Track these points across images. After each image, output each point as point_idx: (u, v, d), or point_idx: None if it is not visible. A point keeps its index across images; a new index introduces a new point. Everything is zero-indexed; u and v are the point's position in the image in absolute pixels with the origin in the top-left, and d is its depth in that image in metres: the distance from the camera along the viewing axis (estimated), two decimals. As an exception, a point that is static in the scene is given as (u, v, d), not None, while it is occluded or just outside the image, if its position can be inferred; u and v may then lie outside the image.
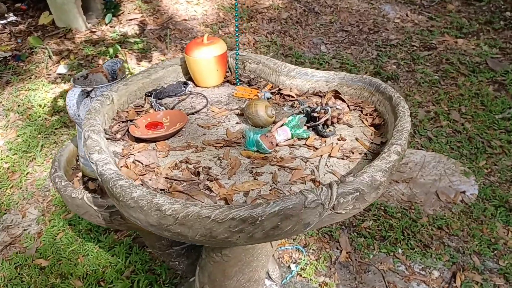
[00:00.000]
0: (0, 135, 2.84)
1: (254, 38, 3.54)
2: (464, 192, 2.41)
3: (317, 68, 3.27)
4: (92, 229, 2.21)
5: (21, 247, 2.18)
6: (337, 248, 2.14)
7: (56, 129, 2.85)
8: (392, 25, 3.78)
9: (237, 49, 1.38)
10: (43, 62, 3.39)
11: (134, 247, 2.11)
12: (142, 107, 1.28)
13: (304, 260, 2.07)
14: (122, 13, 3.83)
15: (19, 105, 3.03)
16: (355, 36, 3.65)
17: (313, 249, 2.13)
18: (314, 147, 1.09)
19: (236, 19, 1.28)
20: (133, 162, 1.05)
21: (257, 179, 0.99)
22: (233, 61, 1.43)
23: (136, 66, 3.30)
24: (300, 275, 2.00)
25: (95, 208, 1.30)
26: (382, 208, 2.31)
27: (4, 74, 3.33)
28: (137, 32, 3.64)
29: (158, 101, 1.28)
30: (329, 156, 1.06)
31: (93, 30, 3.69)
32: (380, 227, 2.22)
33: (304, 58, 3.35)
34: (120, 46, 3.40)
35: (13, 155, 2.68)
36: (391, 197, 2.41)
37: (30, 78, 3.28)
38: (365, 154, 1.07)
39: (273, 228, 0.86)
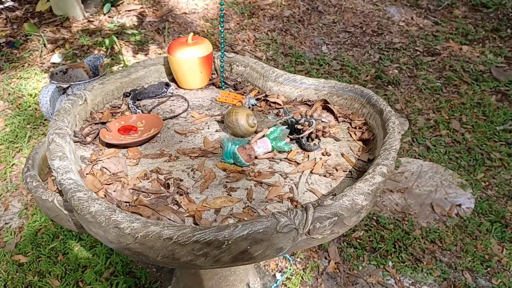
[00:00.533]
0: (-12, 124, 2.77)
1: (254, 35, 3.46)
2: (460, 205, 2.34)
3: (317, 69, 3.20)
4: (74, 227, 2.15)
5: (1, 241, 2.12)
6: (326, 258, 2.07)
7: (45, 120, 2.78)
8: (397, 28, 3.69)
9: (223, 50, 1.30)
10: (37, 50, 3.32)
11: (116, 248, 2.04)
12: (119, 108, 1.21)
13: (290, 269, 2.00)
14: (122, 3, 3.75)
15: (9, 94, 2.97)
16: (358, 38, 3.57)
17: (300, 258, 2.06)
18: (295, 161, 1.01)
19: (222, 19, 1.20)
20: (100, 169, 0.98)
21: (230, 195, 0.92)
22: (219, 62, 1.35)
23: (132, 58, 3.22)
24: (285, 285, 1.94)
25: (66, 212, 1.23)
26: (375, 218, 2.24)
27: (-4, 61, 3.26)
28: (135, 23, 3.56)
29: (137, 103, 1.21)
30: (311, 172, 0.99)
31: (91, 19, 3.61)
32: (371, 238, 2.15)
33: (304, 58, 3.27)
34: (117, 37, 3.33)
35: (0, 145, 2.61)
36: (384, 207, 2.33)
37: (23, 66, 3.21)
38: (349, 171, 1.00)
39: (241, 252, 0.79)
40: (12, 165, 2.50)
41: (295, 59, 3.26)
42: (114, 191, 0.90)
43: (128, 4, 3.78)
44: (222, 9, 1.17)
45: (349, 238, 2.14)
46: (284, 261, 2.05)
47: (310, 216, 0.79)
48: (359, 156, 1.05)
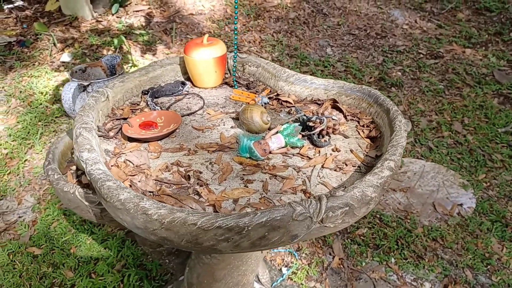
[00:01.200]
0: (1, 121, 2.84)
1: (260, 37, 3.52)
2: (461, 204, 2.40)
3: (321, 71, 3.26)
4: (86, 221, 2.21)
5: (15, 234, 2.18)
6: (330, 254, 2.13)
7: (56, 117, 2.84)
8: (400, 31, 3.75)
9: (235, 51, 1.37)
10: (47, 49, 3.38)
11: (127, 242, 2.10)
12: (138, 105, 1.27)
13: (296, 264, 2.06)
14: (130, 3, 3.82)
15: (21, 91, 3.03)
16: (362, 40, 3.63)
17: (305, 253, 2.12)
18: (307, 156, 1.08)
19: (235, 22, 1.26)
20: (124, 161, 1.04)
21: (247, 187, 0.98)
22: (232, 63, 1.42)
23: (140, 58, 3.29)
24: (291, 279, 2.00)
25: (86, 203, 1.29)
26: (378, 216, 2.30)
27: (7, 59, 3.32)
28: (143, 24, 3.63)
29: (154, 100, 1.27)
30: (322, 167, 1.05)
31: (99, 19, 3.68)
32: (375, 235, 2.21)
33: (309, 60, 3.33)
34: (125, 37, 3.39)
35: (12, 141, 2.67)
36: (387, 205, 2.39)
37: (34, 64, 3.27)
38: (358, 166, 1.06)
39: (259, 238, 0.85)
40: (25, 160, 2.57)
41: (300, 60, 3.32)
42: (139, 181, 0.96)
43: (136, 4, 3.84)
44: (236, 12, 1.23)
45: (353, 235, 2.20)
46: (290, 256, 2.11)
47: (324, 205, 0.85)
48: (367, 153, 1.11)
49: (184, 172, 1.01)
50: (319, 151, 1.10)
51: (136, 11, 3.75)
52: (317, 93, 1.30)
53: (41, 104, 2.94)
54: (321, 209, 0.85)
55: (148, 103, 1.24)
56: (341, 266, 2.08)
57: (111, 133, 1.12)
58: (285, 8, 3.89)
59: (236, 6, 1.21)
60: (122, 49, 3.33)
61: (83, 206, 1.32)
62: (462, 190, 2.48)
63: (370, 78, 3.25)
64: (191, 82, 1.39)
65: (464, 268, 2.08)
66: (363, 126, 1.20)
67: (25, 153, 2.62)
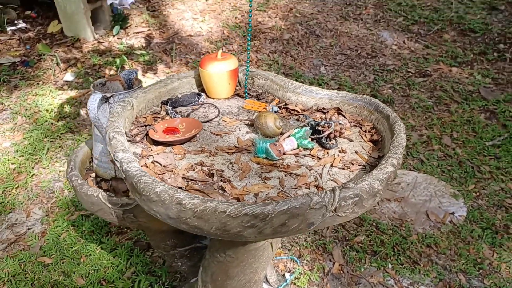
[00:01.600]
0: (7, 137, 2.92)
1: (256, 56, 3.67)
2: (453, 213, 2.52)
3: (317, 88, 3.40)
4: (94, 231, 2.29)
5: (25, 245, 2.25)
6: (330, 260, 2.23)
7: (62, 133, 2.94)
8: (390, 51, 3.93)
9: (248, 65, 1.49)
10: (51, 69, 3.49)
11: (135, 250, 2.18)
12: (159, 114, 1.38)
13: (298, 270, 2.15)
14: (130, 25, 3.96)
15: (26, 109, 3.12)
16: (354, 60, 3.79)
17: (307, 260, 2.22)
18: (317, 157, 1.19)
19: (249, 40, 1.39)
20: (152, 162, 1.15)
21: (266, 183, 1.09)
22: (243, 76, 1.54)
23: (141, 77, 3.41)
24: (294, 284, 2.09)
25: (109, 205, 1.39)
26: (375, 224, 2.41)
27: (12, 79, 3.42)
28: (144, 44, 3.76)
29: (173, 109, 1.38)
30: (331, 165, 1.17)
31: (101, 40, 3.80)
32: (372, 242, 2.31)
33: (304, 78, 3.48)
34: (126, 57, 3.52)
35: (20, 156, 2.76)
36: (383, 214, 2.50)
37: (38, 83, 3.37)
38: (363, 166, 1.18)
39: (281, 225, 0.96)
40: (32, 175, 2.64)
41: (295, 78, 3.46)
42: (169, 178, 1.07)
43: (136, 26, 3.98)
44: (249, 30, 1.36)
45: (351, 242, 2.31)
46: (292, 263, 2.20)
47: (337, 195, 0.97)
48: (370, 154, 1.23)
49: (207, 170, 1.12)
50: (327, 152, 1.22)
51: (136, 32, 3.89)
52: (322, 102, 1.43)
53: (46, 121, 3.03)
54: (335, 198, 0.96)
55: (169, 111, 1.35)
56: (341, 271, 2.18)
57: (138, 138, 1.22)
58: (280, 30, 4.06)
59: (249, 25, 1.34)
60: (124, 69, 3.45)
61: (106, 208, 1.42)
62: (453, 199, 2.60)
63: (363, 95, 3.39)
64: (205, 93, 1.51)
65: (457, 272, 2.18)
66: (365, 131, 1.32)
67: (32, 168, 2.70)
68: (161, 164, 1.14)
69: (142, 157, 1.17)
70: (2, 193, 2.53)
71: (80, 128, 3.00)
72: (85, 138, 2.91)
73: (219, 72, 1.43)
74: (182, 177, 1.09)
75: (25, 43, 3.82)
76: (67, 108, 3.14)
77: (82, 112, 3.13)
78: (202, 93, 1.48)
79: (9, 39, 3.86)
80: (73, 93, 3.28)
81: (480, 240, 2.35)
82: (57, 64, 3.51)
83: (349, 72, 3.64)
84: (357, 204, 1.01)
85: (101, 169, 1.59)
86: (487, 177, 2.75)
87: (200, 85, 1.53)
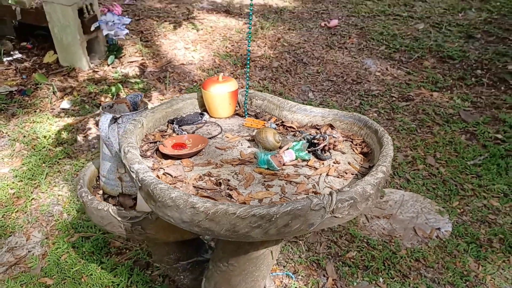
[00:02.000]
0: (6, 164, 2.99)
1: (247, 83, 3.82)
2: (439, 228, 2.63)
3: (306, 113, 3.55)
4: (94, 252, 2.35)
5: (26, 267, 2.30)
6: (324, 276, 2.32)
7: (59, 159, 3.01)
8: (374, 78, 4.12)
9: (247, 87, 1.62)
10: (47, 97, 3.59)
11: (135, 269, 2.25)
12: (165, 132, 1.49)
13: (294, 285, 2.23)
14: (124, 55, 4.10)
15: (24, 136, 3.20)
16: (340, 86, 3.97)
17: (302, 276, 2.30)
18: (314, 167, 1.31)
19: (247, 66, 1.52)
20: (164, 174, 1.25)
21: (268, 190, 1.20)
22: (242, 97, 1.67)
23: (136, 104, 3.51)
24: (290, 298, 2.17)
25: (119, 219, 1.48)
26: (365, 240, 2.51)
27: (10, 107, 3.51)
28: (138, 73, 3.89)
29: (180, 128, 1.50)
30: (327, 174, 1.28)
31: (96, 70, 3.93)
32: (363, 258, 2.41)
33: (293, 104, 3.62)
34: (121, 85, 3.64)
35: (19, 182, 2.82)
36: (373, 231, 2.61)
37: (35, 111, 3.46)
38: (356, 174, 1.30)
39: (284, 225, 1.06)
40: (32, 199, 2.71)
41: (285, 104, 3.60)
42: (181, 187, 1.17)
43: (130, 56, 4.12)
44: (248, 54, 1.49)
45: (344, 258, 2.40)
46: (288, 279, 2.28)
47: (334, 198, 1.08)
48: (361, 164, 1.35)
49: (215, 180, 1.22)
50: (323, 163, 1.34)
51: (131, 62, 4.02)
52: (315, 119, 1.55)
53: (44, 147, 3.11)
54: (333, 201, 1.08)
55: (175, 129, 1.46)
56: (335, 286, 2.27)
57: (148, 153, 1.33)
58: (269, 58, 4.24)
59: (248, 50, 1.48)
60: (119, 96, 3.56)
61: (115, 221, 1.51)
62: (439, 216, 2.72)
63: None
64: (208, 113, 1.63)
65: (445, 285, 2.29)
66: (356, 144, 1.44)
67: (31, 193, 2.76)
68: (172, 176, 1.24)
69: (154, 169, 1.28)
70: (2, 217, 2.59)
71: (77, 154, 3.08)
72: (83, 163, 2.99)
73: (221, 93, 1.55)
74: (193, 186, 1.19)
75: (21, 73, 3.92)
76: (64, 135, 3.23)
77: (79, 138, 3.22)
78: (204, 113, 1.60)
79: (5, 69, 3.96)
80: (70, 120, 3.37)
81: (466, 254, 2.46)
82: (54, 92, 3.61)
83: (336, 97, 3.81)
84: (352, 207, 1.12)
85: (108, 186, 1.69)
86: (470, 195, 2.89)
87: (202, 105, 1.65)
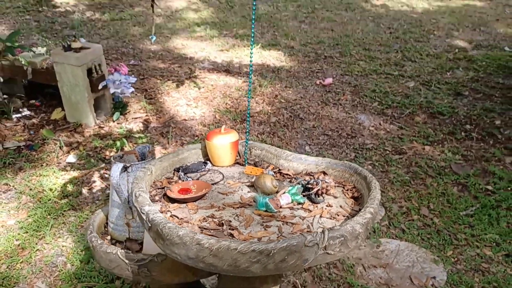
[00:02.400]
0: (12, 215, 3.08)
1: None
2: (434, 277, 2.70)
3: (303, 166, 3.69)
4: (97, 300, 2.41)
5: (30, 316, 2.35)
6: (322, 323, 2.36)
7: (64, 211, 3.11)
8: (367, 132, 4.29)
9: (247, 138, 1.77)
10: (54, 152, 3.73)
11: (137, 317, 2.30)
12: (172, 179, 1.62)
13: (292, 332, 2.28)
14: (129, 112, 4.29)
15: (30, 189, 3.31)
16: (335, 140, 4.13)
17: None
18: (308, 209, 1.43)
19: (248, 121, 1.68)
20: (171, 216, 1.37)
21: (267, 230, 1.31)
22: (242, 147, 1.81)
23: (140, 158, 3.66)
24: None
25: (126, 261, 1.58)
26: (362, 289, 2.57)
27: (17, 161, 3.64)
28: (142, 128, 4.07)
29: (185, 175, 1.63)
30: (320, 216, 1.40)
31: (102, 125, 4.10)
32: (361, 305, 2.46)
33: (291, 157, 3.77)
34: (126, 140, 3.79)
35: (24, 233, 2.90)
36: (370, 280, 2.67)
37: (42, 165, 3.59)
38: (347, 216, 1.42)
39: (281, 261, 1.17)
40: (36, 250, 2.78)
41: (283, 157, 3.75)
42: (187, 227, 1.28)
43: (134, 112, 4.32)
44: (248, 110, 1.65)
45: (342, 306, 2.45)
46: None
47: (326, 235, 1.19)
48: (352, 207, 1.47)
49: (218, 221, 1.34)
50: (316, 206, 1.46)
51: (135, 118, 4.21)
52: (310, 167, 1.69)
53: (50, 199, 3.21)
54: (325, 237, 1.19)
55: (181, 176, 1.59)
56: (333, 334, 2.31)
57: (157, 197, 1.45)
58: (267, 114, 4.44)
59: (248, 106, 1.64)
60: (123, 150, 3.71)
61: (123, 264, 1.61)
62: (434, 265, 2.79)
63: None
64: (211, 162, 1.76)
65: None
66: (347, 190, 1.57)
67: (36, 244, 2.84)
68: (178, 217, 1.36)
69: (162, 212, 1.39)
70: (7, 268, 2.65)
71: (82, 206, 3.18)
72: (87, 215, 3.09)
73: (223, 144, 1.69)
74: (198, 227, 1.31)
75: (29, 129, 4.09)
76: (69, 187, 3.34)
77: (84, 190, 3.33)
78: (208, 162, 1.74)
79: (14, 125, 4.13)
80: (75, 173, 3.50)
81: (461, 302, 2.52)
82: (60, 147, 3.76)
83: (331, 151, 3.96)
84: (343, 244, 1.23)
85: (116, 232, 1.79)
86: (464, 244, 2.97)
87: (206, 155, 1.79)
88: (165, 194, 1.48)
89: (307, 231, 1.31)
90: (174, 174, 1.66)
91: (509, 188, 3.51)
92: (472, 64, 5.72)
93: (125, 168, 1.69)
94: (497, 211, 3.25)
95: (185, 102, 4.61)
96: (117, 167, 1.62)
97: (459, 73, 5.51)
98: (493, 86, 5.13)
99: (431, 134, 4.28)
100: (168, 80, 5.14)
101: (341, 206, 1.47)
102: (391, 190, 3.51)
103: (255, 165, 1.76)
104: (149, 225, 1.25)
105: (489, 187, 3.52)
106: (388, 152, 4.02)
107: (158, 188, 1.52)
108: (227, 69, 5.52)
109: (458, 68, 5.64)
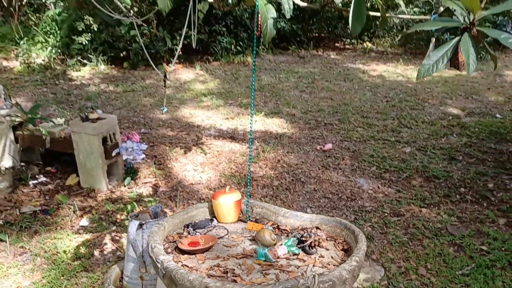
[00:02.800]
0: (27, 277, 3.24)
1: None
2: (432, 335, 2.79)
3: (304, 227, 3.86)
4: None
5: None
6: None
7: (77, 272, 3.27)
8: (366, 195, 4.49)
9: (248, 199, 1.99)
10: (68, 216, 3.94)
11: None
12: (182, 234, 1.83)
13: None
14: (139, 177, 4.54)
15: (45, 251, 3.49)
16: (335, 202, 4.33)
17: None
18: (303, 259, 1.62)
19: (249, 182, 1.91)
20: (182, 265, 1.56)
21: (266, 277, 1.50)
22: (244, 206, 2.03)
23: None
24: None
25: (140, 309, 1.75)
26: None
27: (33, 225, 3.85)
28: (151, 192, 4.29)
29: (194, 230, 1.83)
30: (313, 265, 1.59)
31: (113, 190, 4.34)
32: None
33: (293, 219, 3.95)
34: (136, 204, 4.01)
35: (39, 293, 3.05)
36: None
37: (56, 229, 3.79)
38: (337, 266, 1.60)
39: (277, 302, 1.35)
40: (50, 308, 2.92)
41: (285, 220, 3.93)
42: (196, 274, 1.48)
43: (144, 177, 4.57)
44: (249, 172, 1.89)
45: None
46: None
47: (317, 280, 1.38)
48: (342, 258, 1.66)
49: (223, 270, 1.53)
50: (310, 256, 1.65)
51: (145, 182, 4.45)
52: (305, 223, 1.89)
53: (63, 261, 3.38)
54: (315, 282, 1.38)
55: (190, 231, 1.80)
56: None
57: (169, 250, 1.65)
58: (270, 178, 4.67)
59: (249, 164, 1.88)
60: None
61: (137, 312, 1.77)
62: (431, 322, 2.89)
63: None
64: (216, 219, 1.97)
65: None
66: (338, 243, 1.77)
67: (50, 303, 2.98)
68: (188, 266, 1.55)
69: (174, 262, 1.59)
70: (22, 326, 2.78)
71: (94, 267, 3.34)
72: (99, 276, 3.24)
73: (227, 203, 1.91)
74: (206, 274, 1.50)
75: (45, 194, 4.33)
76: (82, 250, 3.52)
77: (96, 252, 3.50)
78: (214, 219, 1.95)
79: (31, 191, 4.38)
80: (88, 236, 3.69)
81: None
82: (74, 211, 3.97)
83: (332, 213, 4.14)
84: (332, 288, 1.41)
85: (130, 285, 1.97)
86: (461, 302, 3.07)
87: (212, 213, 2.00)
88: (176, 247, 1.68)
89: (301, 279, 1.50)
90: (184, 229, 1.86)
91: (503, 248, 3.64)
92: (465, 131, 6.01)
93: (140, 225, 1.90)
94: (492, 270, 3.38)
95: (192, 167, 4.87)
96: (134, 224, 1.84)
97: (453, 139, 5.78)
98: (486, 151, 5.37)
99: (428, 197, 4.47)
100: (177, 146, 5.43)
101: (332, 257, 1.66)
102: (390, 251, 3.65)
103: (256, 221, 1.97)
104: (163, 272, 1.45)
105: (484, 248, 3.66)
106: (386, 214, 4.19)
107: (170, 242, 1.72)
108: (232, 136, 5.83)
109: (452, 134, 5.92)
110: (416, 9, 10.70)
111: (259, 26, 1.74)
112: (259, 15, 1.73)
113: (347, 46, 12.11)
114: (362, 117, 6.57)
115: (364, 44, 11.88)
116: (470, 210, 4.21)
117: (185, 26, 3.12)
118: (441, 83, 8.29)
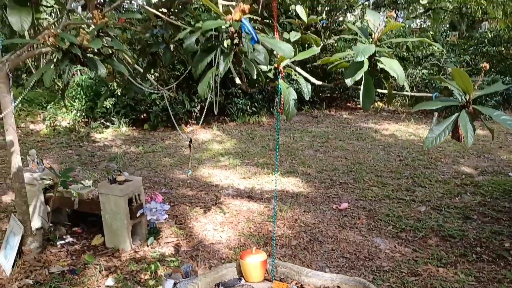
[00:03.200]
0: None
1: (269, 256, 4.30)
2: None
3: (323, 287, 3.94)
4: None
5: None
6: None
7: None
8: (384, 255, 4.57)
9: (273, 259, 2.15)
10: (94, 276, 4.09)
11: None
12: (213, 292, 1.99)
13: None
14: (161, 237, 4.70)
15: (73, 310, 3.62)
16: (353, 262, 4.41)
17: None
18: (326, 316, 1.76)
19: (273, 248, 2.09)
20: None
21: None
22: (270, 266, 2.19)
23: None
24: None
25: None
26: None
27: (61, 285, 3.99)
28: (173, 252, 4.44)
29: (224, 289, 1.99)
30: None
31: (137, 250, 4.49)
32: None
33: (311, 279, 4.04)
34: (159, 263, 4.15)
35: None
36: None
37: (83, 288, 3.93)
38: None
39: None
40: None
41: (304, 279, 4.02)
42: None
43: (166, 237, 4.73)
44: (274, 226, 2.07)
45: None
46: None
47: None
48: (362, 315, 1.80)
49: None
50: (333, 313, 1.79)
51: (167, 242, 4.61)
52: (326, 282, 2.04)
53: (90, 319, 3.50)
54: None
55: (221, 290, 1.96)
56: None
57: (203, 307, 1.81)
58: (288, 237, 4.80)
59: (274, 227, 2.05)
60: (157, 273, 4.05)
61: None
62: None
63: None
64: (244, 278, 2.13)
65: None
66: (358, 301, 1.91)
67: None
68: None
69: (208, 318, 1.74)
70: None
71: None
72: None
73: (254, 263, 2.08)
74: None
75: (71, 254, 4.50)
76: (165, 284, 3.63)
77: (121, 311, 3.62)
78: (242, 278, 2.11)
79: (58, 251, 4.55)
80: (113, 295, 3.81)
81: None
82: (100, 271, 4.12)
83: (350, 273, 4.22)
84: None
85: None
86: None
87: (240, 272, 2.16)
88: (209, 304, 1.83)
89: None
90: (215, 288, 2.03)
91: (522, 308, 3.68)
92: (479, 189, 6.12)
93: (175, 284, 2.07)
94: (511, 330, 3.40)
95: (212, 227, 5.03)
96: (169, 283, 2.01)
97: (467, 197, 5.89)
98: (500, 210, 5.46)
99: (444, 256, 4.54)
100: (196, 206, 5.62)
101: (353, 314, 1.80)
102: (408, 311, 3.70)
103: (281, 280, 2.12)
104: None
105: (503, 307, 3.70)
106: (404, 274, 4.26)
107: (203, 300, 1.88)
108: (250, 195, 6.01)
109: (466, 193, 6.03)
110: (424, 71, 11.09)
111: (282, 104, 1.99)
112: (282, 97, 1.98)
113: (358, 106, 12.46)
114: (376, 176, 6.74)
115: (376, 104, 12.22)
116: (487, 270, 4.26)
117: (209, 93, 3.40)
118: (453, 142, 8.47)
